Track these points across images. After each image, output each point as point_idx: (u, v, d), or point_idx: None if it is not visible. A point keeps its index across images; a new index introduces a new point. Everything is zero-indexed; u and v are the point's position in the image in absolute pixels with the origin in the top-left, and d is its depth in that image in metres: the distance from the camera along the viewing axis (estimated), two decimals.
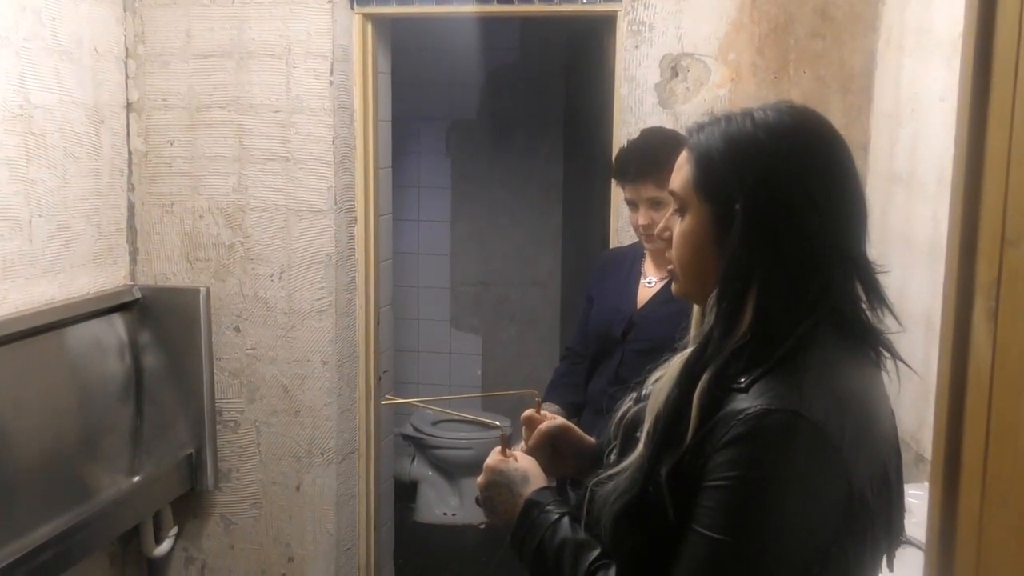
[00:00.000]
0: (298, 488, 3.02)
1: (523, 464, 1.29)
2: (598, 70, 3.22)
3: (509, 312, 4.83)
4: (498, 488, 1.27)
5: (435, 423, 4.37)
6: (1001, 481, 0.87)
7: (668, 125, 2.58)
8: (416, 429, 4.38)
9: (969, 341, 0.93)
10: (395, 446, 3.88)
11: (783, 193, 1.06)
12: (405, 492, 4.40)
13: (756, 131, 1.09)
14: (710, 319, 1.09)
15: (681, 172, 1.14)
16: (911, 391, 2.23)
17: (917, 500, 1.94)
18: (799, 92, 2.69)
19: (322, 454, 2.99)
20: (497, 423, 1.43)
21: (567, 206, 4.52)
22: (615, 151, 2.53)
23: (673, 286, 1.19)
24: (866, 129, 2.70)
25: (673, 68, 2.74)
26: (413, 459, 4.50)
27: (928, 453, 2.07)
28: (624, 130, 2.74)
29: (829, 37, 2.69)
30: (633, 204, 2.22)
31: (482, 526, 4.30)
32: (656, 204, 2.14)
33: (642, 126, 2.60)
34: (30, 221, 2.48)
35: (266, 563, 3.08)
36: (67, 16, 2.60)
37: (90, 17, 2.71)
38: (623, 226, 2.76)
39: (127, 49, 2.91)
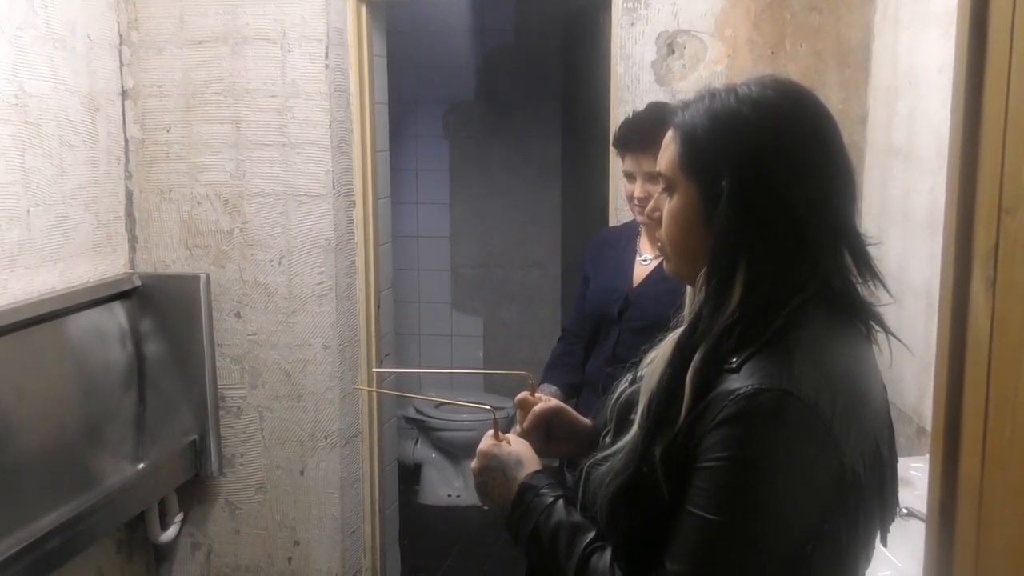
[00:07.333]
0: (302, 472, 3.04)
1: (516, 448, 1.29)
2: (594, 49, 3.21)
3: (510, 293, 4.83)
4: (492, 472, 1.28)
5: (437, 405, 4.38)
6: (1001, 447, 0.87)
7: (666, 102, 2.57)
8: (419, 412, 4.40)
9: (968, 310, 0.93)
10: (398, 429, 3.89)
11: (769, 168, 1.06)
12: (409, 474, 4.42)
13: (740, 106, 1.08)
14: (700, 297, 1.09)
15: (667, 151, 1.14)
16: (912, 365, 2.23)
17: (919, 473, 1.94)
18: (796, 67, 2.68)
19: (325, 438, 3.00)
20: (487, 406, 1.42)
21: (566, 186, 4.51)
22: (613, 130, 2.52)
23: (665, 265, 1.19)
24: (864, 103, 2.69)
25: (669, 45, 2.73)
26: (416, 442, 4.52)
27: (930, 426, 2.08)
28: (621, 108, 2.72)
29: (826, 11, 2.67)
30: (630, 176, 2.22)
31: (486, 507, 4.31)
32: (654, 178, 2.14)
33: (639, 104, 2.59)
34: (28, 211, 2.47)
35: (272, 547, 3.10)
36: (60, 3, 2.58)
37: (83, 4, 2.69)
38: (622, 205, 2.76)
39: (121, 36, 2.89)
